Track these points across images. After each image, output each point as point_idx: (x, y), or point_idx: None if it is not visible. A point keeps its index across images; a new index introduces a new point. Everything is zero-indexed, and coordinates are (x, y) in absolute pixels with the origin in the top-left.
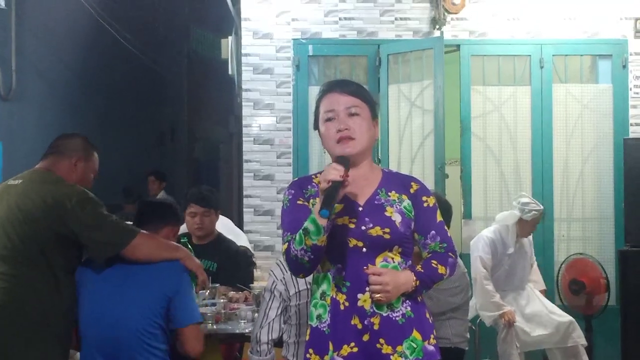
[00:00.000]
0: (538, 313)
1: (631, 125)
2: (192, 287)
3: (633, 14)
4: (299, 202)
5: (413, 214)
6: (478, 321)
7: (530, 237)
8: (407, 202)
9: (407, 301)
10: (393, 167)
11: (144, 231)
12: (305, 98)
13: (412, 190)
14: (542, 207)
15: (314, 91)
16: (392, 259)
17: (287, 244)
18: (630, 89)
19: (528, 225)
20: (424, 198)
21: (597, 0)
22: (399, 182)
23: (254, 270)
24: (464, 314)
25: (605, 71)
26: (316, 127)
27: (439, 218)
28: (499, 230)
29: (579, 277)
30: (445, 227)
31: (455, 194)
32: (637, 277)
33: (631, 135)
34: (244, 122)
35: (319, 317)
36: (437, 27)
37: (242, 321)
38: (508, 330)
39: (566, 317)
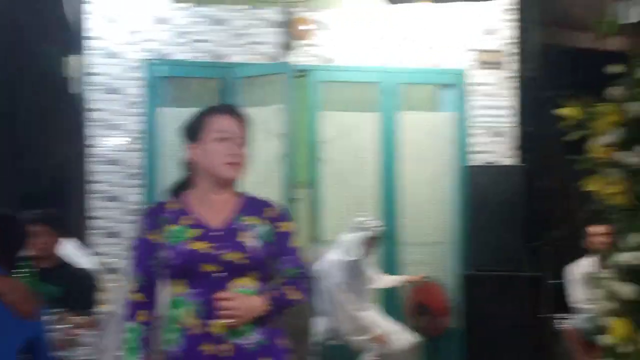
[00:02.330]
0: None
1: (473, 152)
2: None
3: (475, 46)
4: (147, 235)
5: (270, 238)
6: (327, 344)
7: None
8: (264, 226)
9: (260, 328)
10: (243, 191)
11: None
12: (156, 119)
13: (269, 215)
14: (379, 221)
15: (165, 112)
16: (249, 284)
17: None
18: (472, 118)
19: (371, 241)
20: (281, 223)
21: (442, 31)
22: (257, 206)
23: (101, 293)
24: (308, 337)
25: (449, 100)
26: (192, 138)
27: (296, 243)
28: (346, 252)
29: (424, 301)
30: (302, 253)
31: (305, 218)
32: (481, 301)
33: (473, 163)
34: (92, 143)
35: (171, 341)
36: (288, 52)
37: (84, 347)
38: (378, 351)
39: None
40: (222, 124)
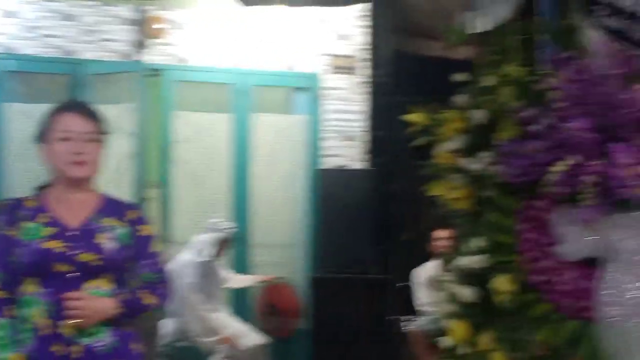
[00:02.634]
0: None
1: (324, 156)
2: None
3: (328, 51)
4: (4, 232)
5: (129, 241)
6: (175, 345)
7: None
8: (122, 229)
9: (112, 330)
10: (103, 192)
11: None
12: (2, 114)
13: (128, 218)
14: (231, 223)
15: (12, 108)
16: (103, 286)
17: None
18: (324, 121)
19: (224, 242)
20: (139, 227)
21: (297, 35)
22: (116, 208)
23: None
24: (155, 338)
25: (302, 103)
26: (40, 140)
27: (154, 247)
28: (198, 253)
29: (274, 301)
30: (160, 258)
31: (156, 218)
32: (329, 303)
33: (325, 166)
34: None
35: (21, 342)
36: (140, 50)
37: None
38: (226, 352)
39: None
40: (67, 123)
